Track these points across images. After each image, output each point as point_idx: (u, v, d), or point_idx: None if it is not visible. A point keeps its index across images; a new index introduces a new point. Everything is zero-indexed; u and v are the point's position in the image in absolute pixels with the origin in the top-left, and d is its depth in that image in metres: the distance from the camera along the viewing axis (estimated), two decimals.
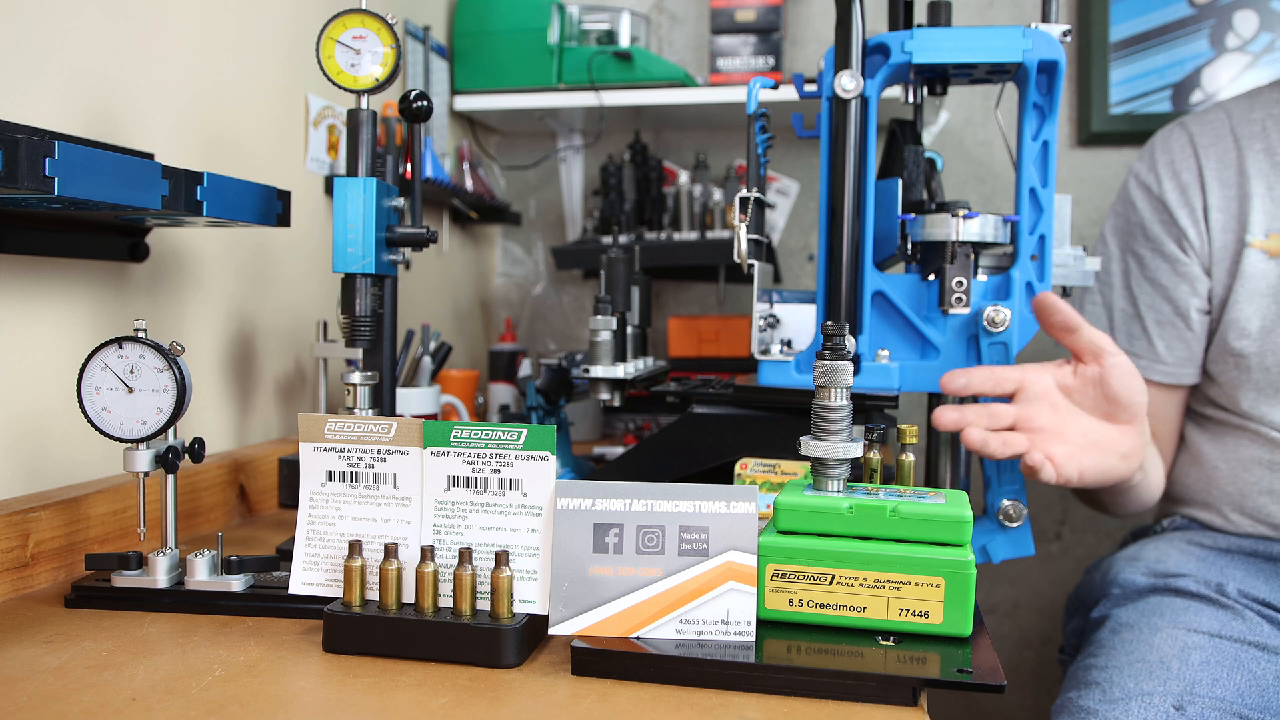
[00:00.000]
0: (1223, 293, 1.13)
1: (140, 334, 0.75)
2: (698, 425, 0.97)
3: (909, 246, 0.99)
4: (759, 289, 1.00)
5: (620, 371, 1.00)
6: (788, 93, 1.47)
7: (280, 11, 1.20)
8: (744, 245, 0.92)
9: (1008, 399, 0.91)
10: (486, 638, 0.64)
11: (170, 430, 0.76)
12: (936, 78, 1.03)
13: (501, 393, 1.61)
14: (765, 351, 1.01)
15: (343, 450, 0.71)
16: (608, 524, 0.66)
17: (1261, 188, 1.12)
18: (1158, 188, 1.18)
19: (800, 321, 1.10)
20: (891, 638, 0.66)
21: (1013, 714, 1.81)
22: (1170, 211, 1.17)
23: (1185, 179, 1.17)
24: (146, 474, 0.77)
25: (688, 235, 1.62)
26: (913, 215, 0.97)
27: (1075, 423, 0.90)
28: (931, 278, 0.97)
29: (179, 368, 0.75)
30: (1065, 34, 0.94)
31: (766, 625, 0.67)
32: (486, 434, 0.68)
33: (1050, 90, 0.95)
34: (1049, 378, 0.91)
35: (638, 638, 0.65)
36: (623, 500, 0.66)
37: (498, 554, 0.65)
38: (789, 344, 1.08)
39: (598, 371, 0.99)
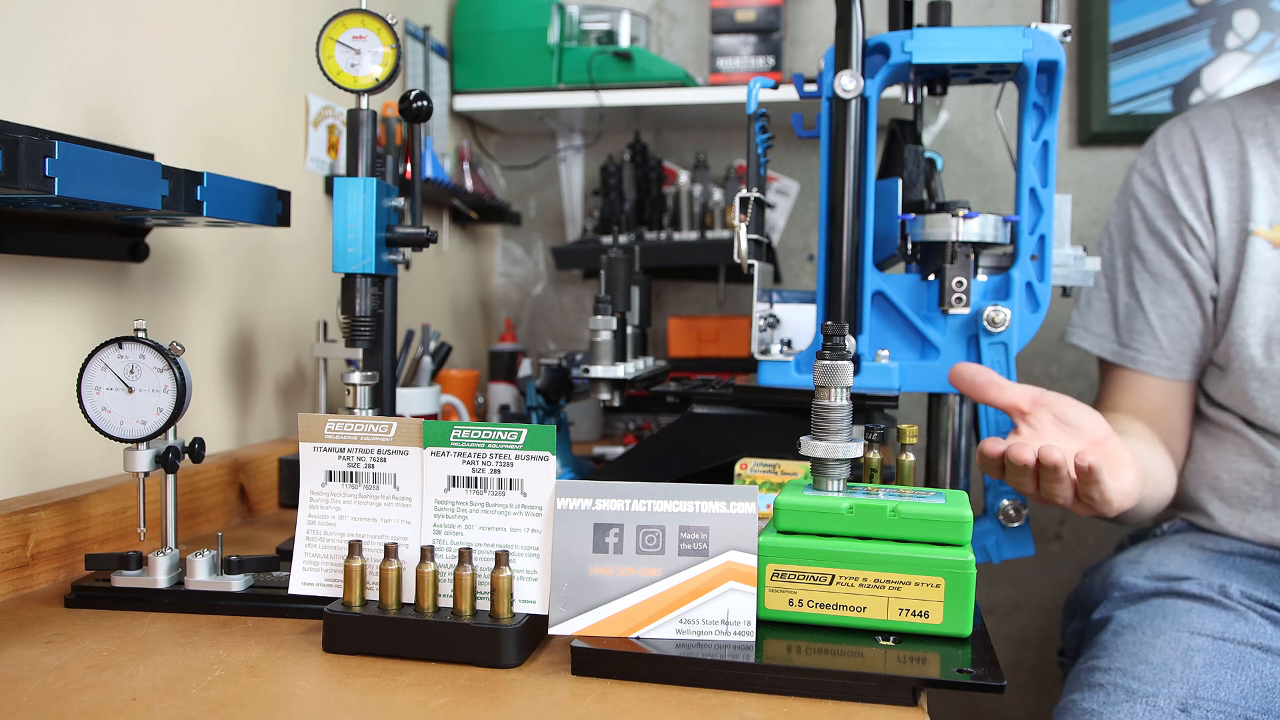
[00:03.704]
0: (1230, 283, 1.14)
1: (140, 334, 0.75)
2: (698, 425, 0.97)
3: (909, 246, 0.99)
4: (759, 289, 1.00)
5: (620, 371, 1.00)
6: (788, 93, 1.47)
7: (280, 12, 1.20)
8: (744, 245, 0.92)
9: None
10: (486, 638, 0.64)
11: (170, 430, 0.76)
12: (936, 78, 1.03)
13: (501, 393, 1.61)
14: (765, 351, 1.01)
15: (343, 450, 0.71)
16: (608, 524, 0.66)
17: (1265, 180, 1.13)
18: (1161, 182, 1.19)
19: (800, 321, 1.10)
20: (891, 638, 0.66)
21: (1013, 714, 1.81)
22: (1175, 205, 1.17)
23: (1186, 172, 1.17)
24: (146, 474, 0.77)
25: (688, 235, 1.62)
26: (913, 215, 0.97)
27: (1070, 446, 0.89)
28: (931, 278, 0.97)
29: (179, 368, 0.75)
30: (1065, 34, 0.94)
31: (766, 625, 0.67)
32: (486, 434, 0.68)
33: (1050, 90, 0.95)
34: (997, 441, 0.88)
35: (638, 638, 0.65)
36: (623, 500, 0.66)
37: (498, 554, 0.65)
38: (789, 344, 1.08)
39: (598, 371, 0.99)
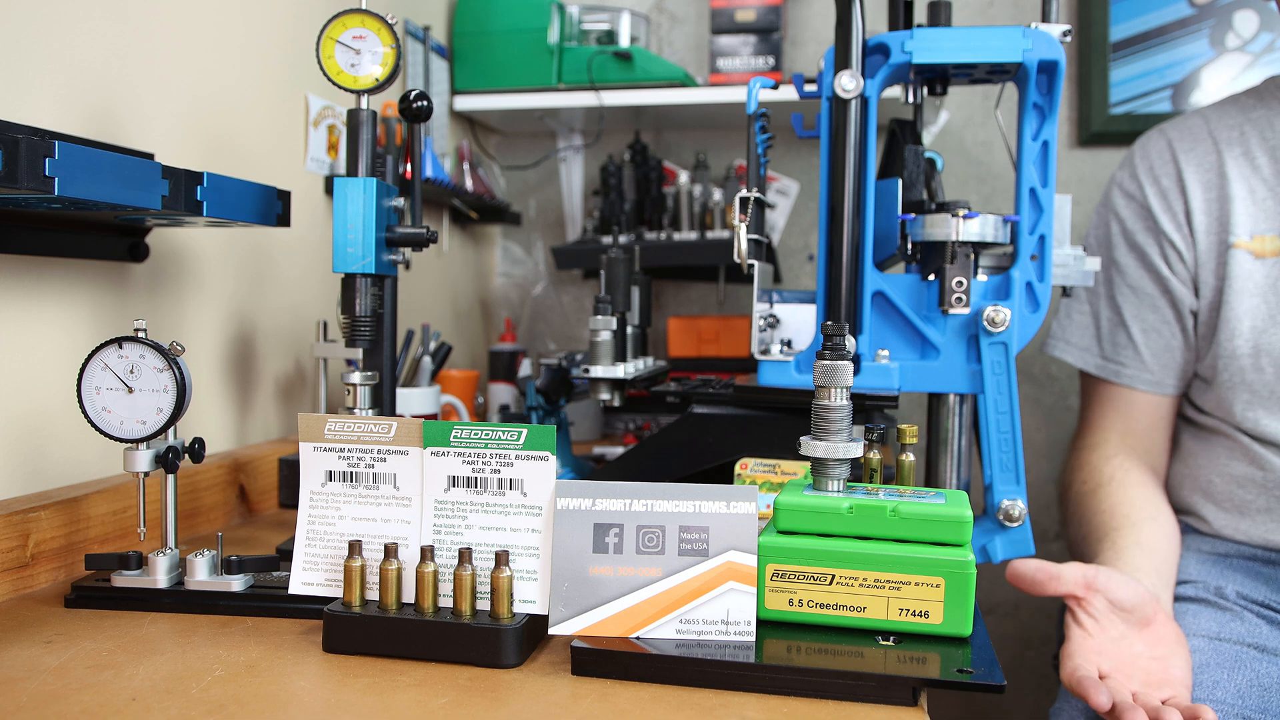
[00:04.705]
0: (1213, 296, 1.13)
1: (140, 334, 0.75)
2: (698, 425, 0.97)
3: (909, 246, 0.99)
4: (759, 289, 1.00)
5: (620, 371, 1.00)
6: (788, 93, 1.47)
7: (280, 11, 1.20)
8: (744, 245, 0.92)
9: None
10: (486, 638, 0.64)
11: (170, 430, 0.76)
12: (936, 78, 1.03)
13: (501, 393, 1.61)
14: (765, 351, 1.01)
15: (343, 450, 0.71)
16: (608, 524, 0.66)
17: (1243, 190, 1.12)
18: (1140, 194, 1.19)
19: (800, 321, 1.10)
20: (891, 638, 0.66)
21: (1013, 714, 1.81)
22: (1154, 218, 1.17)
23: (1165, 184, 1.17)
24: (146, 474, 0.77)
25: (688, 235, 1.62)
26: (913, 215, 0.97)
27: (1135, 659, 0.88)
28: (931, 278, 0.97)
29: (179, 368, 0.75)
30: (1065, 34, 0.94)
31: (766, 625, 0.67)
32: (486, 434, 0.68)
33: (1050, 90, 0.95)
34: (1087, 651, 0.88)
35: (638, 638, 0.65)
36: (623, 500, 0.66)
37: (498, 554, 0.65)
38: (789, 344, 1.08)
39: (598, 371, 0.99)
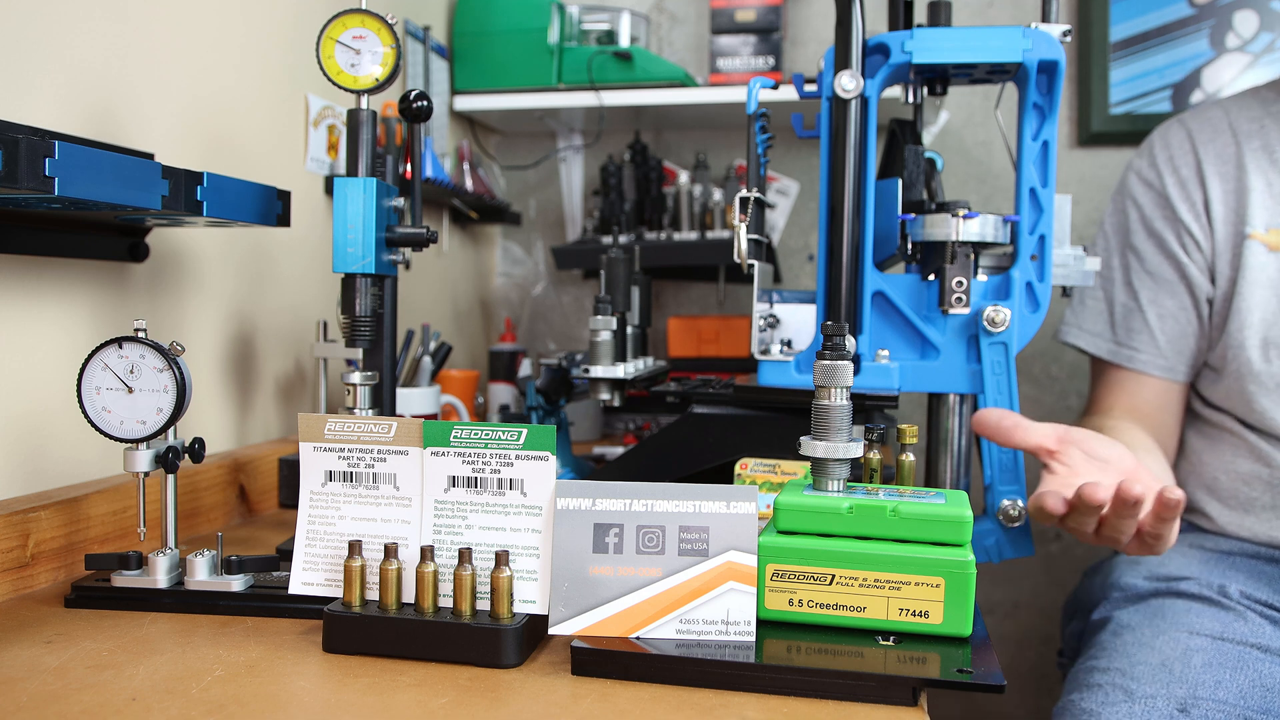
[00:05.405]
0: (1227, 286, 1.14)
1: (140, 334, 0.75)
2: (698, 425, 0.97)
3: (909, 246, 0.99)
4: (759, 289, 1.00)
5: (620, 371, 1.00)
6: (788, 93, 1.47)
7: (280, 12, 1.20)
8: (744, 245, 0.92)
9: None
10: (486, 638, 0.64)
11: (170, 430, 0.76)
12: (936, 78, 1.03)
13: (501, 393, 1.61)
14: (765, 351, 1.01)
15: (343, 450, 0.71)
16: (608, 524, 0.66)
17: (1261, 183, 1.13)
18: (1159, 183, 1.19)
19: (800, 321, 1.10)
20: (891, 638, 0.66)
21: (1013, 714, 1.81)
22: (1172, 206, 1.18)
23: (1184, 174, 1.18)
24: (146, 474, 0.77)
25: (688, 235, 1.62)
26: (913, 215, 0.97)
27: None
28: (931, 278, 0.97)
29: (179, 368, 0.75)
30: (1065, 34, 0.94)
31: (766, 625, 0.67)
32: (486, 434, 0.68)
33: (1050, 90, 0.95)
34: (1057, 487, 0.85)
35: (638, 638, 0.65)
36: (623, 500, 0.66)
37: (498, 554, 0.65)
38: (789, 344, 1.08)
39: (598, 371, 0.99)
